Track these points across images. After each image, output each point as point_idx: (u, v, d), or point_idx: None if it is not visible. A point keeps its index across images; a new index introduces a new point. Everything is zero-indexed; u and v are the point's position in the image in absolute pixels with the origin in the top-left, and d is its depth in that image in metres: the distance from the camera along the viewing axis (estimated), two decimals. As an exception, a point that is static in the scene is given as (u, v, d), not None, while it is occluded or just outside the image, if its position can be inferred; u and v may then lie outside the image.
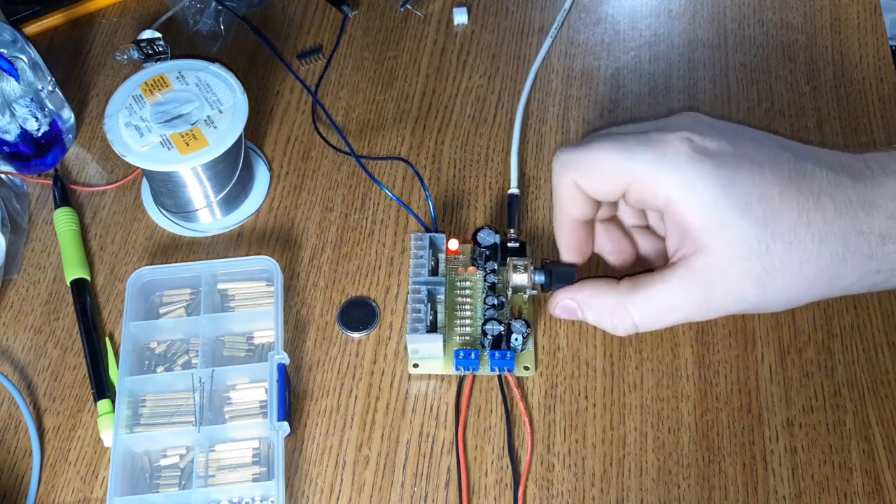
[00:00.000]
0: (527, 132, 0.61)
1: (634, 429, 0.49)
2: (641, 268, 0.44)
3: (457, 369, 0.50)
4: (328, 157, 0.61)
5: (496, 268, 0.52)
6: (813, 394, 0.50)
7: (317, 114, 0.63)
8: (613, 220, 0.48)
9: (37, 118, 0.58)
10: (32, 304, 0.55)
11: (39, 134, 0.58)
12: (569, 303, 0.44)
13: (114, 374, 0.51)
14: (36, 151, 0.59)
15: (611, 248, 0.47)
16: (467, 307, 0.52)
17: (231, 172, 0.56)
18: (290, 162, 0.61)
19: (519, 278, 0.47)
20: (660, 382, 0.51)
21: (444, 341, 0.50)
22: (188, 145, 0.53)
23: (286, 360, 0.50)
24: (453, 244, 0.53)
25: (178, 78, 0.56)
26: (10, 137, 0.57)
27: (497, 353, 0.50)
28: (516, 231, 0.55)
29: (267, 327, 0.53)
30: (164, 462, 0.49)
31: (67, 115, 0.61)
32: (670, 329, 0.52)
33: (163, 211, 0.58)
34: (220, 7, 0.66)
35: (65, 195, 0.59)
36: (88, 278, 0.55)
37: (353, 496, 0.48)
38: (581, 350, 0.52)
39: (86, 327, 0.53)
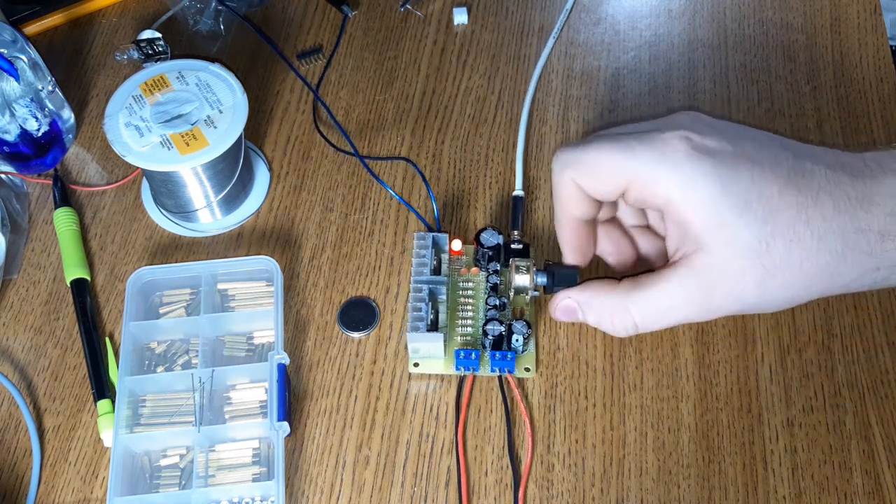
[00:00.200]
0: (527, 132, 0.61)
1: (634, 429, 0.49)
2: (642, 268, 0.44)
3: (457, 369, 0.50)
4: (328, 156, 0.61)
5: (499, 269, 0.53)
6: (813, 394, 0.50)
7: (317, 113, 0.63)
8: (613, 220, 0.48)
9: (37, 118, 0.58)
10: (32, 304, 0.55)
11: (39, 134, 0.59)
12: (569, 303, 0.44)
13: (114, 374, 0.51)
14: (36, 151, 0.59)
15: (611, 249, 0.47)
16: (469, 307, 0.52)
17: (231, 172, 0.56)
18: (290, 162, 0.61)
19: (521, 279, 0.47)
20: (660, 382, 0.51)
21: (445, 341, 0.50)
22: (188, 145, 0.53)
23: (286, 360, 0.50)
24: (457, 245, 0.53)
25: (178, 78, 0.56)
26: (10, 137, 0.57)
27: (498, 354, 0.50)
28: (520, 233, 0.55)
29: (267, 327, 0.53)
30: (164, 462, 0.49)
31: (67, 115, 0.61)
32: (670, 329, 0.52)
33: (163, 211, 0.58)
34: (220, 7, 0.66)
35: (65, 195, 0.59)
36: (88, 278, 0.55)
37: (353, 496, 0.48)
38: (581, 350, 0.52)
39: (86, 327, 0.53)
